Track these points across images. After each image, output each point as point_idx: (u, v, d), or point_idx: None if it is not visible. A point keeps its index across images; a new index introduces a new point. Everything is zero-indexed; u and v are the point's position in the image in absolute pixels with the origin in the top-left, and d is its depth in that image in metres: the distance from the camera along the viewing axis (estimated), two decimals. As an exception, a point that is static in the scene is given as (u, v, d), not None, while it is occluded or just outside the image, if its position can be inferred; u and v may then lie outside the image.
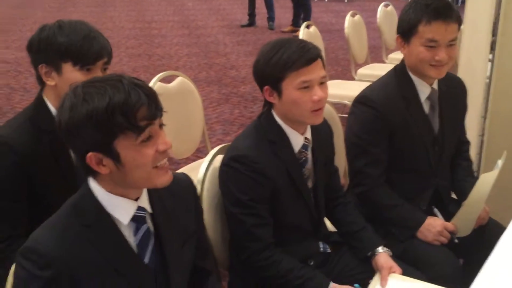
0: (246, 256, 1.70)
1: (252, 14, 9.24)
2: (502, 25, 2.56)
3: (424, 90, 2.01)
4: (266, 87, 1.68)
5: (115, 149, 1.17)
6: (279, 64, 1.62)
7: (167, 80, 2.70)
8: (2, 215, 1.62)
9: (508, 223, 1.85)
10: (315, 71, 1.63)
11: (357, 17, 4.65)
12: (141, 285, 1.29)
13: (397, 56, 5.09)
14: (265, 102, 1.74)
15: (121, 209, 1.25)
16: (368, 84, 4.30)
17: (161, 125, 1.22)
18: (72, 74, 1.63)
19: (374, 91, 2.03)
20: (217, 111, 5.10)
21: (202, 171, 1.80)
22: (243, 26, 9.28)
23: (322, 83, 1.65)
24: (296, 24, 8.67)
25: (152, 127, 1.18)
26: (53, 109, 1.68)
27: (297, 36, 8.13)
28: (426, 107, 2.02)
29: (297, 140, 1.74)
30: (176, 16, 10.37)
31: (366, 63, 4.83)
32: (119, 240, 1.26)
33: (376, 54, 5.16)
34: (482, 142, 2.73)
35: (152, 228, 1.32)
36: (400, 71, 2.03)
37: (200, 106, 2.90)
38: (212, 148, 1.99)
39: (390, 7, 5.12)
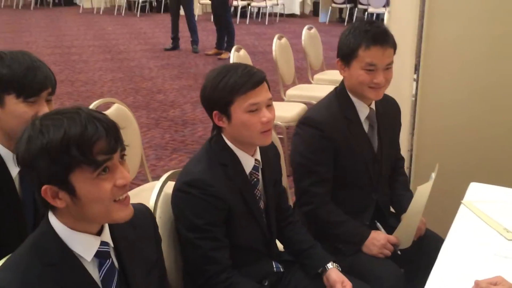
0: (204, 280, 1.70)
1: (175, 38, 9.23)
2: (425, 48, 2.71)
3: (363, 110, 2.10)
4: (215, 112, 1.70)
5: (71, 183, 1.15)
6: (227, 88, 1.65)
7: (102, 107, 2.66)
8: None
9: (443, 233, 1.96)
10: (262, 94, 1.67)
11: (284, 39, 4.78)
12: None
13: (322, 77, 5.28)
14: (214, 126, 1.76)
15: (84, 246, 1.23)
16: (297, 104, 4.46)
17: (122, 156, 1.21)
18: (16, 107, 1.57)
19: (317, 112, 2.10)
20: (148, 136, 5.04)
21: (153, 198, 1.79)
22: (166, 49, 9.24)
23: (269, 105, 1.70)
24: (220, 47, 8.78)
25: (110, 161, 1.17)
26: None
27: (223, 58, 8.34)
28: (365, 127, 2.11)
29: (248, 162, 1.77)
30: (97, 40, 10.17)
31: (293, 83, 4.96)
32: (84, 277, 1.23)
33: (301, 75, 5.31)
34: (411, 156, 2.86)
35: (116, 262, 1.30)
36: (340, 92, 2.10)
37: (138, 132, 2.88)
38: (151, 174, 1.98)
39: (314, 30, 5.31)
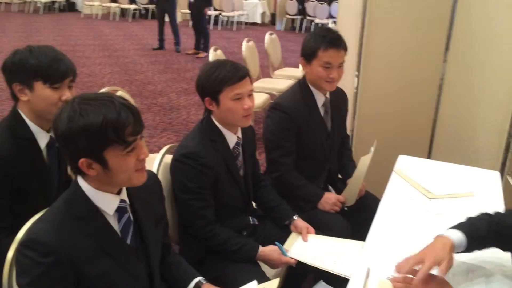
0: (194, 231, 1.71)
1: (161, 40, 9.01)
2: (365, 51, 2.73)
3: (320, 98, 2.11)
4: (206, 98, 1.69)
5: (104, 157, 1.13)
6: (217, 80, 1.64)
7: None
8: None
9: (379, 194, 2.00)
10: (245, 86, 1.67)
11: (251, 42, 4.73)
12: (126, 261, 1.26)
13: (280, 73, 5.27)
14: (206, 109, 1.75)
15: (107, 202, 1.21)
16: (262, 94, 4.44)
17: (141, 137, 1.19)
18: (43, 91, 1.53)
19: (285, 99, 2.09)
20: (142, 118, 4.89)
21: (155, 167, 1.77)
22: (154, 49, 9.03)
23: (250, 95, 1.70)
24: (197, 48, 8.64)
25: (136, 141, 1.16)
26: (27, 120, 1.57)
27: (200, 57, 8.20)
28: (321, 111, 2.12)
29: (231, 138, 1.76)
30: (96, 40, 9.83)
31: (258, 78, 4.94)
32: (107, 228, 1.22)
33: (264, 71, 5.29)
34: (352, 135, 2.91)
35: (131, 216, 1.29)
36: (302, 84, 2.11)
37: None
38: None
39: (274, 35, 5.27)
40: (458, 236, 1.43)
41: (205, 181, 1.68)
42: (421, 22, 2.66)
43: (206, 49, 8.44)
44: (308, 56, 2.01)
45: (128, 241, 1.27)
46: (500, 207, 1.84)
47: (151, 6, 13.03)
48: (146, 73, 7.07)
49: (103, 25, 12.31)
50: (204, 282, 1.48)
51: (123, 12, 13.47)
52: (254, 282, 1.45)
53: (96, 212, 1.20)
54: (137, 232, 1.30)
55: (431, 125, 2.83)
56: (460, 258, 1.47)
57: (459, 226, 1.47)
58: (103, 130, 1.09)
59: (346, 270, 1.61)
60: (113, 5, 13.26)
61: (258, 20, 13.03)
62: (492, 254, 1.48)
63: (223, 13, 12.18)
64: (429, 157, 2.85)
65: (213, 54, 4.12)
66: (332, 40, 1.96)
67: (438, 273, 1.27)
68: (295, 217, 1.90)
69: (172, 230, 1.81)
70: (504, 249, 1.45)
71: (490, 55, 2.56)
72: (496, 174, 2.15)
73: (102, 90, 2.59)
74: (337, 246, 1.77)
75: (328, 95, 2.13)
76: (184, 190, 1.68)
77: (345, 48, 2.00)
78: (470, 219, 1.50)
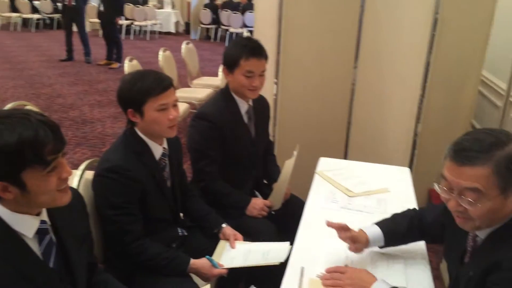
0: (121, 248, 1.65)
1: (69, 50, 8.54)
2: (282, 58, 2.83)
3: (243, 106, 2.13)
4: (129, 110, 1.64)
5: (22, 180, 1.06)
6: (141, 91, 1.60)
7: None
8: None
9: (303, 195, 2.08)
10: (170, 96, 1.65)
11: (167, 52, 4.68)
12: (48, 286, 1.18)
13: (199, 82, 5.26)
14: (128, 121, 1.70)
15: (26, 225, 1.14)
16: (182, 104, 4.41)
17: (63, 155, 1.13)
18: None
19: (208, 108, 2.10)
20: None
21: (75, 184, 1.68)
22: (62, 60, 8.52)
23: (174, 105, 1.68)
24: (109, 58, 8.33)
25: (57, 160, 1.09)
26: None
27: (113, 68, 7.95)
28: (245, 119, 2.15)
29: (157, 150, 1.73)
30: (-4, 52, 9.14)
31: (176, 88, 4.87)
32: (26, 252, 1.14)
33: (182, 81, 5.24)
34: (274, 141, 2.97)
35: (53, 237, 1.22)
36: (225, 92, 2.12)
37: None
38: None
39: (191, 45, 5.26)
40: (374, 232, 1.55)
41: (132, 195, 1.63)
42: (332, 31, 2.82)
43: (119, 60, 8.18)
44: (230, 65, 2.03)
45: (51, 264, 1.20)
46: (412, 199, 2.00)
47: (57, 16, 12.36)
48: (54, 86, 6.69)
49: (3, 36, 11.42)
50: None
51: (25, 22, 12.62)
52: None
53: (13, 236, 1.12)
54: (60, 254, 1.23)
55: (346, 127, 3.00)
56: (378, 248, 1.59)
57: (380, 222, 1.58)
58: (20, 150, 1.02)
59: (277, 258, 1.66)
60: (14, 14, 12.37)
61: (172, 29, 12.89)
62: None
63: (135, 23, 11.90)
64: (345, 157, 3.02)
65: (129, 65, 4.02)
66: (254, 49, 1.99)
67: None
68: (223, 225, 1.91)
69: (97, 248, 1.73)
70: (428, 240, 1.57)
71: (396, 62, 2.78)
72: (406, 170, 2.34)
73: (8, 106, 2.42)
74: (265, 247, 1.81)
75: (251, 102, 2.17)
76: (109, 206, 1.62)
77: (266, 57, 2.05)
78: (394, 216, 1.62)
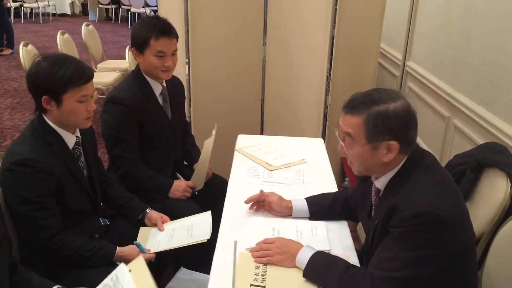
0: (40, 244, 1.55)
1: (-50, 38, 7.67)
2: (191, 37, 2.78)
3: (157, 88, 2.08)
4: (44, 97, 1.53)
5: None
6: (63, 79, 1.50)
7: None
8: None
9: (225, 174, 2.10)
10: (91, 87, 1.58)
11: (66, 35, 4.39)
12: None
13: (104, 66, 5.01)
14: (37, 109, 1.58)
15: None
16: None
17: None
18: None
19: (120, 92, 2.01)
20: None
21: (-20, 182, 1.54)
22: None
23: (92, 96, 1.61)
24: (0, 44, 7.60)
25: None
26: None
27: (4, 54, 7.28)
28: (160, 100, 2.10)
29: (70, 139, 1.64)
30: None
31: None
32: None
33: (85, 66, 4.94)
34: (191, 121, 2.93)
35: None
36: (137, 75, 2.05)
37: None
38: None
39: (91, 27, 4.97)
40: (299, 202, 1.67)
41: (46, 188, 1.53)
42: (240, 8, 2.82)
43: (10, 46, 7.50)
44: (139, 46, 1.96)
45: None
46: (328, 168, 2.11)
47: None
48: None
49: None
50: None
51: None
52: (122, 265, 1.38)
53: None
54: None
55: (260, 103, 3.05)
56: (304, 218, 1.67)
57: (309, 197, 1.71)
58: None
59: (202, 236, 1.68)
60: None
61: (67, 11, 12.04)
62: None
63: (25, 5, 10.92)
64: (262, 133, 3.08)
65: (24, 50, 3.71)
66: (163, 28, 1.93)
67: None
68: (147, 210, 1.88)
69: (13, 249, 1.61)
70: (348, 217, 1.68)
71: (302, 36, 2.86)
72: (320, 141, 2.45)
73: None
74: (187, 223, 1.82)
75: (164, 83, 2.12)
76: (21, 202, 1.51)
77: (176, 36, 2.00)
78: (323, 193, 1.75)
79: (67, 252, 1.58)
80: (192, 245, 1.67)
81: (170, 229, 1.81)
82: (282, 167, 2.08)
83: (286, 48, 2.92)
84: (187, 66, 2.84)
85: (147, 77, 2.04)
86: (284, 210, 1.67)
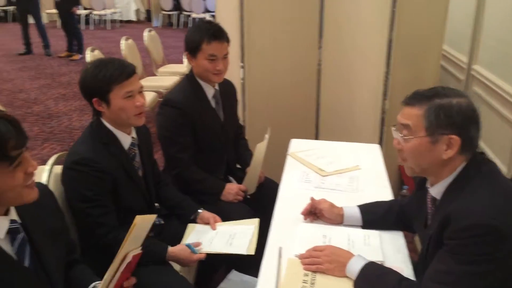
0: (96, 241, 1.61)
1: (27, 43, 8.21)
2: (246, 41, 2.78)
3: (209, 91, 2.11)
4: (94, 99, 1.59)
5: None
6: (105, 79, 1.55)
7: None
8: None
9: (277, 178, 2.07)
10: (135, 83, 1.61)
11: (130, 40, 4.55)
12: (25, 286, 1.15)
13: (164, 70, 5.17)
14: (94, 112, 1.64)
15: None
16: (148, 93, 4.34)
17: (27, 149, 1.08)
18: None
19: (174, 95, 2.06)
20: (19, 129, 4.49)
21: (44, 179, 1.63)
22: (20, 54, 8.18)
23: (140, 92, 1.64)
24: (70, 50, 8.06)
25: (21, 155, 1.05)
26: None
27: (74, 59, 7.70)
28: (213, 103, 2.13)
29: (125, 139, 1.69)
30: None
31: (142, 77, 4.78)
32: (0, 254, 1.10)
33: (147, 69, 5.13)
34: (244, 125, 2.96)
35: (25, 235, 1.17)
36: (191, 78, 2.09)
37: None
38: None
39: (153, 32, 5.14)
40: (351, 210, 1.61)
41: (102, 187, 1.59)
42: (294, 11, 2.80)
43: (80, 51, 7.92)
44: (192, 50, 2.00)
45: (26, 263, 1.16)
46: (383, 175, 2.03)
47: (11, 8, 11.82)
48: (15, 81, 6.42)
49: (-46, 31, 10.88)
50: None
51: (-23, 15, 12.04)
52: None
53: None
54: (34, 252, 1.19)
55: (315, 108, 3.01)
56: (357, 227, 1.61)
57: (362, 204, 1.64)
58: None
59: (239, 248, 1.66)
60: (-36, 8, 11.79)
61: (133, 17, 12.57)
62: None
63: (94, 12, 11.53)
64: (316, 138, 3.03)
65: (91, 55, 3.89)
66: (215, 33, 1.96)
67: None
68: (200, 210, 1.89)
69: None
70: (410, 229, 1.60)
71: (358, 39, 2.79)
72: (376, 147, 2.37)
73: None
74: (232, 230, 1.80)
75: (217, 86, 2.14)
76: (80, 199, 1.57)
77: (227, 40, 2.02)
78: (377, 201, 1.68)
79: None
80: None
81: (215, 232, 1.81)
82: (335, 173, 2.03)
83: (342, 51, 2.85)
84: (241, 69, 2.85)
85: (200, 80, 2.08)
86: (335, 217, 1.62)
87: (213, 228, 1.81)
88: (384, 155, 2.26)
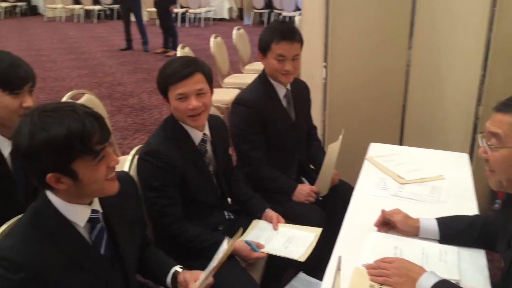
0: (162, 229, 1.68)
1: (128, 40, 8.86)
2: (330, 41, 2.74)
3: (281, 90, 2.11)
4: (162, 96, 1.66)
5: (74, 170, 1.08)
6: (164, 78, 1.61)
7: (74, 98, 2.53)
8: None
9: (353, 182, 2.01)
10: (190, 85, 1.60)
11: (219, 38, 4.69)
12: (101, 273, 1.23)
13: (251, 67, 5.24)
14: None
15: (78, 215, 1.17)
16: (233, 90, 4.44)
17: (109, 144, 1.15)
18: (3, 99, 1.47)
19: (247, 94, 2.09)
20: (113, 120, 4.83)
21: (126, 168, 1.73)
22: (122, 49, 8.86)
23: (199, 94, 1.63)
24: (166, 46, 8.52)
25: (104, 149, 1.12)
26: None
27: (169, 55, 8.12)
28: (284, 103, 2.12)
29: (196, 135, 1.73)
30: (62, 44, 9.58)
31: (228, 74, 4.90)
32: (79, 240, 1.18)
33: (234, 67, 5.25)
34: (324, 126, 2.92)
35: (104, 225, 1.25)
36: (263, 77, 2.11)
37: (107, 118, 2.75)
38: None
39: (242, 30, 5.24)
40: (428, 222, 1.50)
41: (168, 178, 1.64)
42: (384, 9, 2.68)
43: (175, 47, 8.31)
44: (263, 49, 2.02)
45: (102, 251, 1.24)
46: (470, 187, 1.87)
47: (116, 6, 12.78)
48: (115, 75, 6.94)
49: (67, 27, 12.03)
50: (180, 270, 1.45)
51: (88, 13, 13.19)
52: (225, 239, 1.43)
53: (66, 225, 1.16)
54: (111, 241, 1.27)
55: (401, 111, 2.87)
56: (433, 240, 1.50)
57: (440, 217, 1.53)
58: (69, 142, 1.05)
59: (295, 254, 1.63)
60: (77, 6, 12.96)
61: (226, 15, 12.95)
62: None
63: (190, 10, 12.06)
64: (401, 143, 2.89)
65: (181, 52, 4.07)
66: (285, 33, 1.96)
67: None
68: (267, 209, 1.89)
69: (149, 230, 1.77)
70: (493, 249, 1.47)
71: (452, 39, 2.60)
72: (465, 156, 2.19)
73: (69, 94, 2.54)
74: (292, 233, 1.78)
75: (289, 86, 2.14)
76: (148, 188, 1.64)
77: (300, 41, 2.00)
78: (457, 215, 1.55)
79: (184, 239, 1.67)
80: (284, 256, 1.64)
81: (275, 232, 1.80)
82: (415, 182, 1.92)
83: (433, 52, 2.68)
84: (324, 69, 2.80)
85: (271, 80, 2.09)
86: (410, 229, 1.53)
87: (275, 228, 1.80)
88: (474, 166, 2.09)
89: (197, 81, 1.62)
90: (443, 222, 1.51)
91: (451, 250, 1.44)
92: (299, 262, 1.61)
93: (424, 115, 2.82)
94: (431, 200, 1.78)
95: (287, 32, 1.97)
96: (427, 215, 1.56)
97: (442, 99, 2.74)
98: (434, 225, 1.51)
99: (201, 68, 1.63)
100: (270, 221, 1.85)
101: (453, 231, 1.49)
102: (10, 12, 13.82)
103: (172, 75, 1.59)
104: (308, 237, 1.74)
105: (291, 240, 1.73)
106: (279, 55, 1.97)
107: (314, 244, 1.68)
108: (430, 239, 1.51)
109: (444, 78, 2.70)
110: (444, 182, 1.92)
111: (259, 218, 1.90)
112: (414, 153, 2.22)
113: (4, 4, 13.37)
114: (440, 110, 2.76)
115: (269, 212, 1.88)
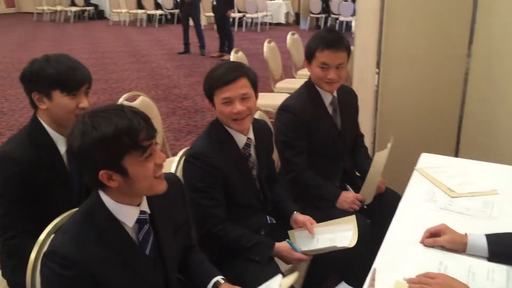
0: (206, 230, 1.71)
1: (186, 44, 9.14)
2: (384, 48, 2.69)
3: (327, 97, 2.10)
4: (209, 100, 1.70)
5: (123, 166, 1.14)
6: (210, 83, 1.65)
7: (131, 99, 2.65)
8: (11, 215, 1.54)
9: (399, 190, 1.96)
10: (234, 90, 1.63)
11: (273, 43, 4.73)
12: (144, 273, 1.27)
13: (304, 73, 5.22)
14: None
15: (127, 215, 1.23)
16: (285, 94, 4.46)
17: (156, 143, 1.20)
18: (61, 100, 1.57)
19: (292, 100, 2.10)
20: (167, 122, 5.00)
21: (173, 169, 1.80)
22: (180, 53, 9.15)
23: (244, 99, 1.65)
24: (222, 50, 8.70)
25: (151, 146, 1.17)
26: (47, 127, 1.61)
27: (225, 59, 8.29)
28: (330, 110, 2.11)
29: (240, 139, 1.75)
30: (124, 47, 10.03)
31: (281, 78, 4.92)
32: (127, 240, 1.24)
33: (287, 71, 5.26)
34: (374, 134, 2.86)
35: (150, 226, 1.30)
36: (309, 84, 2.11)
37: (159, 119, 2.86)
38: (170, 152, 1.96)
39: (296, 35, 5.24)
40: (477, 238, 1.43)
41: (212, 180, 1.67)
42: (442, 15, 2.60)
43: (230, 52, 8.45)
44: (308, 56, 2.04)
45: (147, 252, 1.29)
46: (526, 205, 1.77)
47: (177, 11, 13.21)
48: (172, 77, 7.17)
49: (130, 31, 12.58)
50: (222, 281, 1.46)
51: (150, 18, 13.73)
52: (279, 276, 1.43)
53: (116, 224, 1.21)
54: (156, 242, 1.31)
55: (457, 122, 2.75)
56: (481, 258, 1.43)
57: (491, 234, 1.45)
58: (118, 138, 1.11)
59: (344, 243, 1.62)
60: (140, 11, 13.53)
61: (282, 20, 13.02)
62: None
63: (247, 15, 12.23)
64: (456, 155, 2.77)
65: (234, 56, 4.14)
66: (329, 41, 1.96)
67: None
68: (294, 213, 1.87)
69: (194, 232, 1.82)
70: None
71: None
72: (524, 170, 2.08)
73: (125, 95, 2.66)
74: (331, 227, 1.77)
75: (335, 94, 2.12)
76: (193, 190, 1.68)
77: (346, 49, 1.99)
78: (508, 233, 1.47)
79: (228, 240, 1.69)
80: (339, 251, 1.63)
81: (313, 235, 1.79)
82: (467, 195, 1.83)
83: (494, 60, 2.56)
84: (377, 76, 2.75)
85: (317, 87, 2.08)
86: (457, 245, 1.46)
87: (311, 232, 1.78)
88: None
89: (242, 86, 1.65)
90: (493, 239, 1.44)
91: (499, 269, 1.37)
92: (350, 248, 1.61)
93: (481, 126, 2.69)
94: (482, 216, 1.69)
95: (332, 40, 1.97)
96: (477, 231, 1.49)
97: (502, 110, 2.60)
98: (483, 242, 1.44)
99: (245, 72, 1.66)
100: (300, 226, 1.83)
101: (503, 249, 1.41)
102: (79, 16, 14.66)
103: (217, 79, 1.62)
104: (347, 225, 1.73)
105: (333, 232, 1.72)
106: (322, 63, 1.98)
107: (356, 229, 1.68)
108: (478, 256, 1.44)
109: (506, 88, 2.57)
110: (498, 197, 1.82)
111: (288, 222, 1.88)
112: (468, 165, 2.13)
113: (74, 9, 14.20)
114: (499, 122, 2.62)
115: (298, 216, 1.86)
